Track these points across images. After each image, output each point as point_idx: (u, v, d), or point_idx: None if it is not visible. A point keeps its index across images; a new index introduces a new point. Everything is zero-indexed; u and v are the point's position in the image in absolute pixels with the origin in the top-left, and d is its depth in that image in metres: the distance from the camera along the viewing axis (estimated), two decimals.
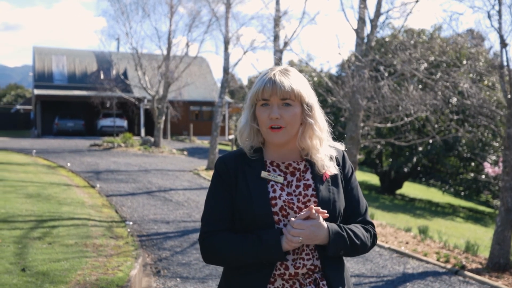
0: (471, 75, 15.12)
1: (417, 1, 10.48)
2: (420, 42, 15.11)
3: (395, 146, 19.62)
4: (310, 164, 1.93)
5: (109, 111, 29.96)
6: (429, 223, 13.54)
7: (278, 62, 2.03)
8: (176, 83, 25.61)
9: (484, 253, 8.61)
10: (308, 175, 1.91)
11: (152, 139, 24.61)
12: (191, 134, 31.50)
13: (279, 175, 1.90)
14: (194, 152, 23.66)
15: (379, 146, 19.22)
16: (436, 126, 17.37)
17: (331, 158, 1.95)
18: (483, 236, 13.03)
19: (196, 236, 7.93)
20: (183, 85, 26.77)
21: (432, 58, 11.72)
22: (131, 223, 8.55)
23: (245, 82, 44.90)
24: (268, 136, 1.88)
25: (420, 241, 8.86)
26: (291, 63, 31.59)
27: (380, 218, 11.74)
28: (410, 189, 25.12)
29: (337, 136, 2.07)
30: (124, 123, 31.45)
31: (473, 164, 20.45)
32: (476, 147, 18.73)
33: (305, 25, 24.33)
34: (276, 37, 15.30)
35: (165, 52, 23.87)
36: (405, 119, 11.91)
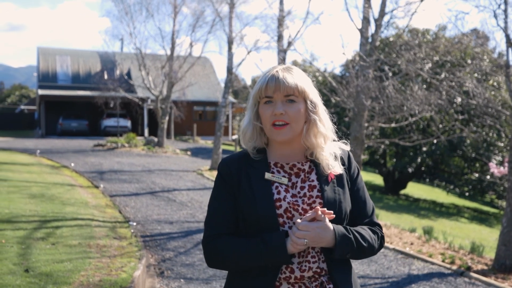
0: (475, 74, 15.05)
1: (421, 1, 10.43)
2: (424, 42, 15.05)
3: (399, 146, 19.56)
4: (315, 165, 1.89)
5: (113, 111, 29.97)
6: (434, 223, 13.48)
7: (282, 62, 2.01)
8: (179, 83, 25.60)
9: (490, 254, 8.55)
10: (313, 176, 1.88)
11: (155, 139, 24.61)
12: (195, 134, 31.49)
13: (284, 176, 1.87)
14: (197, 152, 23.64)
15: (383, 146, 19.17)
16: (440, 126, 17.30)
17: (335, 156, 1.91)
18: (488, 237, 12.96)
19: (199, 236, 7.90)
20: (186, 85, 26.76)
21: (436, 58, 11.68)
22: (134, 223, 8.54)
23: (248, 82, 44.89)
24: (272, 134, 1.84)
25: (425, 242, 8.81)
26: (295, 63, 31.54)
27: (384, 219, 11.69)
28: (414, 189, 25.05)
29: (341, 136, 2.03)
30: (128, 123, 31.47)
31: (477, 164, 20.36)
32: (481, 147, 18.65)
33: (309, 25, 24.27)
34: (280, 37, 15.26)
35: (168, 52, 23.87)
36: (409, 119, 11.86)
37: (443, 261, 7.42)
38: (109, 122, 31.20)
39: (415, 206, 18.36)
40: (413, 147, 19.54)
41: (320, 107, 1.90)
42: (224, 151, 21.54)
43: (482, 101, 8.33)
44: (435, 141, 18.21)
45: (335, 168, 1.89)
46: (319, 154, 1.88)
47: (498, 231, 14.74)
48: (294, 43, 14.62)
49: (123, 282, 4.98)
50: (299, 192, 1.85)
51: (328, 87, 15.98)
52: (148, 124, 32.28)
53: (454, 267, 7.03)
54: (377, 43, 10.93)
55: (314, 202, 1.83)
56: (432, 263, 7.21)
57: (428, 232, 9.34)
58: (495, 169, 10.07)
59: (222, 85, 32.18)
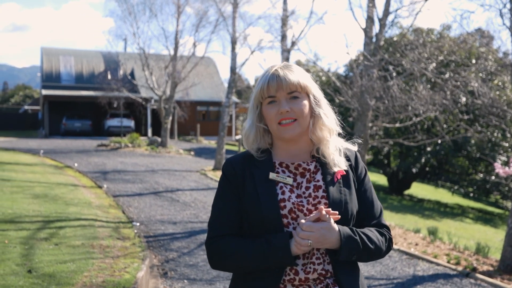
0: (480, 74, 14.97)
1: (426, 0, 10.37)
2: (429, 41, 14.99)
3: (403, 146, 19.49)
4: (321, 165, 1.86)
5: (116, 111, 29.99)
6: (438, 224, 13.41)
7: (285, 61, 1.98)
8: (183, 83, 25.59)
9: (495, 255, 8.49)
10: (319, 176, 1.84)
11: (159, 139, 24.60)
12: (198, 134, 31.47)
13: (288, 176, 1.83)
14: (201, 152, 23.62)
15: (387, 147, 19.10)
16: (445, 126, 17.23)
17: (340, 150, 1.88)
18: (493, 238, 12.88)
19: (203, 237, 7.87)
20: (190, 85, 26.74)
21: (441, 58, 11.62)
22: (138, 223, 8.51)
23: (252, 82, 44.88)
24: (280, 132, 1.81)
25: (429, 242, 8.75)
26: (299, 63, 31.49)
27: (389, 219, 11.64)
28: (418, 189, 24.98)
29: (344, 136, 1.99)
30: (131, 123, 31.48)
31: (482, 164, 20.27)
32: (486, 147, 18.56)
33: (312, 24, 24.27)
34: (283, 37, 15.23)
35: (172, 52, 23.86)
36: (414, 119, 11.80)
37: (448, 262, 7.37)
38: (112, 122, 31.22)
39: (419, 207, 18.29)
40: (417, 147, 19.47)
41: (323, 101, 1.88)
42: (228, 151, 21.51)
43: (487, 101, 8.28)
44: (439, 141, 18.13)
45: (340, 164, 1.86)
46: (325, 148, 1.85)
47: (503, 231, 14.65)
48: (298, 42, 14.60)
49: (126, 283, 4.95)
50: (304, 193, 1.81)
51: (332, 87, 15.94)
52: (151, 124, 32.28)
53: (460, 268, 6.98)
54: (381, 43, 10.88)
55: (319, 202, 1.79)
56: (437, 264, 7.15)
57: (432, 232, 9.28)
58: (501, 169, 9.96)
59: (226, 85, 32.16)
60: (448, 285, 6.24)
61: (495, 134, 18.31)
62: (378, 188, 22.84)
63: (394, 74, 10.68)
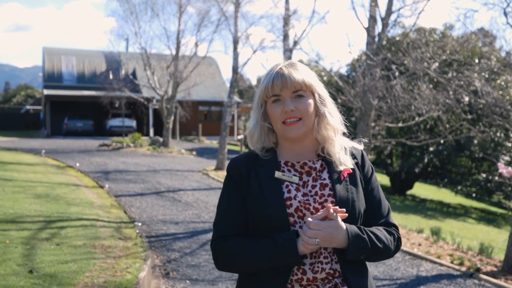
0: (483, 74, 14.92)
1: None
2: (431, 41, 14.94)
3: (406, 146, 19.44)
4: (327, 163, 1.83)
5: (118, 111, 30.00)
6: (441, 224, 13.36)
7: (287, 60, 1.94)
8: (185, 83, 25.58)
9: (499, 256, 8.43)
10: (325, 175, 1.81)
11: (161, 139, 24.58)
12: (200, 134, 31.45)
13: (294, 175, 1.80)
14: (203, 152, 23.60)
15: (389, 146, 19.05)
16: (447, 126, 17.17)
17: (345, 149, 1.85)
18: (496, 238, 12.82)
19: (205, 237, 7.84)
20: (192, 85, 26.73)
21: (444, 57, 11.56)
22: (139, 223, 8.48)
23: (254, 82, 44.86)
24: (285, 132, 1.78)
25: (432, 242, 8.70)
26: (301, 62, 31.45)
27: None
28: (420, 189, 24.92)
29: (348, 136, 1.95)
30: (133, 123, 31.48)
31: (485, 164, 20.20)
32: (489, 147, 18.50)
33: (314, 24, 24.26)
34: (285, 36, 15.19)
35: (174, 52, 23.85)
36: (417, 118, 11.75)
37: (451, 262, 7.32)
38: (114, 122, 31.23)
39: (422, 207, 18.24)
40: (420, 147, 19.41)
41: (328, 100, 1.86)
42: (230, 151, 21.48)
43: (490, 100, 8.23)
44: (442, 141, 18.08)
45: (347, 163, 1.83)
46: (331, 147, 1.83)
47: (506, 231, 14.60)
48: (300, 42, 14.57)
49: (128, 284, 4.92)
50: (310, 191, 1.78)
51: (334, 87, 15.89)
52: (153, 124, 32.28)
53: (463, 269, 6.93)
54: (384, 42, 10.84)
55: (326, 201, 1.76)
56: (441, 265, 7.11)
57: (436, 233, 9.23)
58: (504, 169, 9.91)
59: (227, 85, 32.11)
60: (452, 286, 6.20)
61: (498, 134, 18.25)
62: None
63: (397, 73, 10.63)
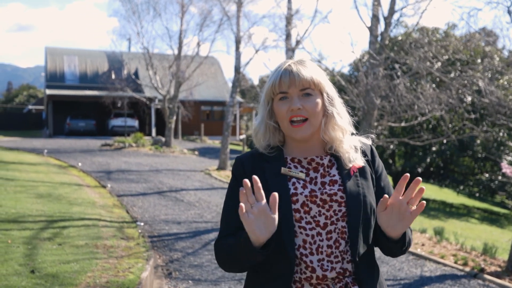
0: (486, 73, 14.88)
1: None
2: (434, 40, 14.89)
3: (408, 146, 19.38)
4: (336, 159, 1.78)
5: (120, 111, 30.01)
6: (444, 224, 13.31)
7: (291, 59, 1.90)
8: (187, 82, 25.57)
9: (503, 256, 8.39)
10: (334, 171, 1.76)
11: (163, 139, 24.57)
12: (202, 134, 31.44)
13: (301, 171, 1.76)
14: (205, 152, 23.58)
15: (392, 146, 19.00)
16: (450, 125, 17.12)
17: (356, 149, 1.80)
18: (499, 238, 12.77)
19: (207, 237, 7.82)
20: (194, 85, 26.72)
21: (446, 57, 11.53)
22: (142, 223, 8.45)
23: (256, 82, 44.82)
24: (291, 132, 1.73)
25: (436, 243, 8.66)
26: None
27: None
28: None
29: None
30: (135, 123, 31.48)
31: (487, 164, 20.14)
32: (492, 147, 18.44)
33: (317, 23, 24.21)
34: (288, 36, 15.16)
35: (176, 52, 23.83)
36: (419, 118, 11.71)
37: (455, 262, 7.28)
38: (116, 122, 31.24)
39: (425, 207, 18.17)
40: (423, 147, 19.36)
41: (336, 100, 1.80)
42: (232, 151, 21.46)
43: (494, 100, 8.19)
44: (445, 141, 18.02)
45: (357, 161, 1.77)
46: (339, 147, 1.78)
47: (509, 232, 14.55)
48: (303, 41, 14.54)
49: (130, 284, 4.89)
50: (320, 188, 1.73)
51: (336, 86, 15.85)
52: (155, 124, 32.27)
53: (467, 269, 6.89)
54: (386, 42, 10.80)
55: (335, 194, 1.71)
56: (445, 265, 7.07)
57: (439, 233, 9.19)
58: (507, 169, 9.88)
59: (230, 84, 32.09)
60: (456, 286, 6.16)
61: (501, 134, 18.19)
62: None
63: (399, 72, 10.59)
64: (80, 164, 16.19)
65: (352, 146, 1.80)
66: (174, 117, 24.46)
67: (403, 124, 11.51)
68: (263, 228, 1.58)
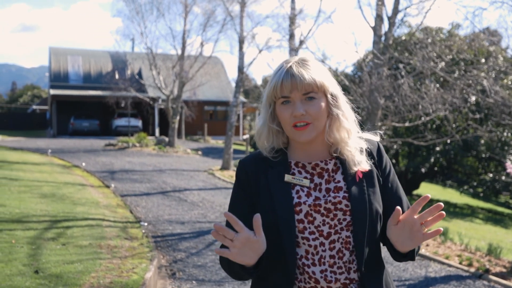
0: (489, 73, 14.83)
1: None
2: (438, 40, 14.84)
3: (412, 146, 19.34)
4: (341, 163, 1.73)
5: (124, 111, 30.05)
6: (448, 224, 13.26)
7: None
8: (190, 82, 25.57)
9: (508, 256, 8.34)
10: (339, 176, 1.71)
11: (166, 139, 24.58)
12: (206, 134, 31.44)
13: (305, 177, 1.71)
14: (208, 152, 23.57)
15: (395, 146, 18.96)
16: (454, 125, 17.07)
17: (361, 150, 1.73)
18: (504, 238, 12.72)
19: (211, 237, 7.80)
20: (197, 85, 26.71)
21: (450, 57, 11.50)
22: (145, 223, 8.45)
23: (259, 82, 44.81)
24: (295, 136, 1.68)
25: (440, 243, 8.62)
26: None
27: None
28: (427, 189, 24.78)
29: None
30: (139, 123, 31.52)
31: (491, 164, 20.07)
32: (496, 147, 18.38)
33: (320, 23, 24.15)
34: (291, 36, 15.13)
35: (179, 52, 23.83)
36: (423, 118, 11.68)
37: (460, 263, 7.25)
38: (120, 122, 31.29)
39: (428, 207, 18.10)
40: (426, 147, 19.30)
41: (341, 99, 1.73)
42: (235, 151, 21.44)
43: (499, 99, 8.16)
44: (448, 140, 17.97)
45: (362, 164, 1.71)
46: (344, 149, 1.72)
47: None
48: (306, 41, 14.51)
49: (134, 284, 4.89)
50: (324, 196, 1.68)
51: (340, 85, 15.84)
52: (159, 123, 32.29)
53: (472, 270, 6.86)
54: (390, 42, 10.77)
55: (340, 202, 1.67)
56: (449, 265, 7.04)
57: (443, 233, 9.15)
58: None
59: (233, 84, 32.09)
60: (461, 287, 6.13)
61: (505, 134, 18.13)
62: None
63: (403, 72, 10.56)
64: (84, 164, 16.21)
65: (358, 148, 1.74)
66: (178, 117, 24.47)
67: (407, 124, 11.47)
68: (250, 254, 1.56)
